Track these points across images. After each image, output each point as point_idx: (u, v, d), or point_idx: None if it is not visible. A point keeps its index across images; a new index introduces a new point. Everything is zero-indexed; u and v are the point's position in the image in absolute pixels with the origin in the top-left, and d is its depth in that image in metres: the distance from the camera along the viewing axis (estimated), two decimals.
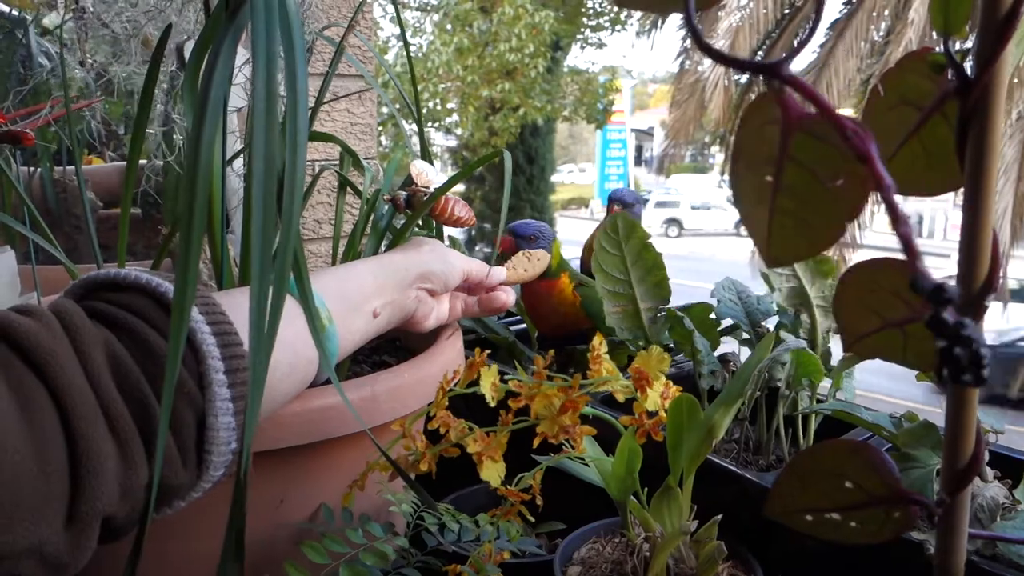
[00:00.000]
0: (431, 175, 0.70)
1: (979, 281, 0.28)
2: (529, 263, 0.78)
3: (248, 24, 0.39)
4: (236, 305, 0.44)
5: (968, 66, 0.28)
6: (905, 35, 5.57)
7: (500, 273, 0.71)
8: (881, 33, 5.99)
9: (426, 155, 0.76)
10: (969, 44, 0.29)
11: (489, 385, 0.43)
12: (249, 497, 0.38)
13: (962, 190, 0.28)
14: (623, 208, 0.87)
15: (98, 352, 0.37)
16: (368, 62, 0.93)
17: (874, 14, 5.83)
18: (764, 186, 0.27)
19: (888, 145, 0.34)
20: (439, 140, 9.79)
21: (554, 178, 10.57)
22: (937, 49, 0.31)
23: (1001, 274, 0.30)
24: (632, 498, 0.54)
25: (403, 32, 0.85)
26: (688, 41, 7.18)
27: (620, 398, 0.44)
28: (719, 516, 0.53)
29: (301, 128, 0.35)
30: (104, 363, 0.37)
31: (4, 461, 0.31)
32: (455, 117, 8.38)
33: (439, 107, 8.20)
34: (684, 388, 0.51)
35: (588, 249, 0.92)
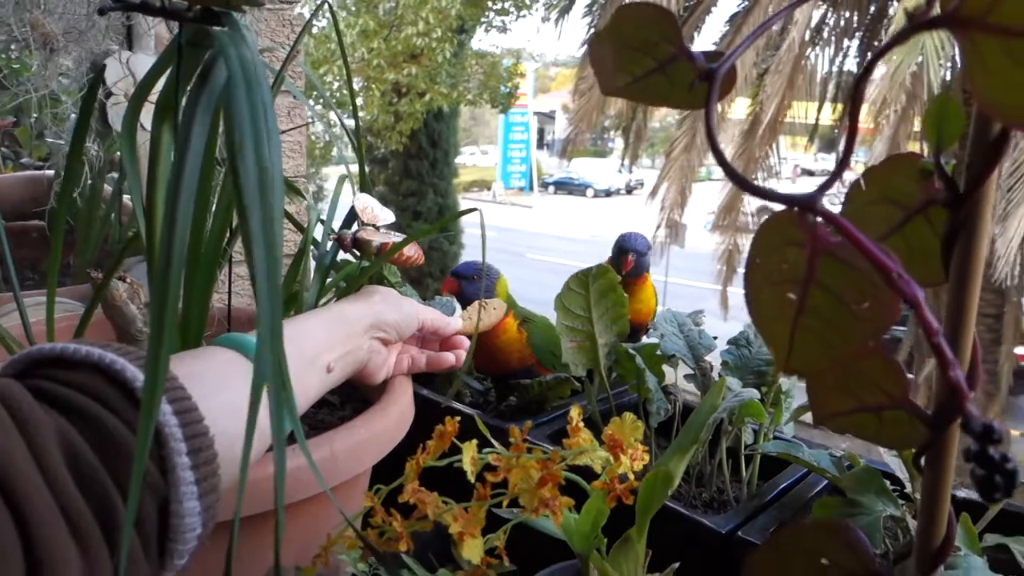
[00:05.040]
0: (376, 211, 0.68)
1: None
2: (485, 312, 0.76)
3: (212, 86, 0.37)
4: (192, 375, 0.42)
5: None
6: (791, 34, 5.83)
7: (457, 322, 0.69)
8: (776, 28, 6.22)
9: (365, 186, 0.74)
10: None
11: (469, 460, 0.42)
12: (201, 567, 0.36)
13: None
14: (636, 258, 0.86)
15: (53, 445, 0.33)
16: (297, 78, 0.89)
17: (770, 9, 6.04)
18: (786, 302, 0.27)
19: (868, 236, 0.35)
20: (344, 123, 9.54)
21: (456, 160, 10.52)
22: (925, 158, 0.32)
23: (980, 371, 0.32)
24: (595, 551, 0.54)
25: (340, 39, 0.82)
26: (593, 30, 7.25)
27: (598, 469, 0.44)
28: (676, 564, 0.55)
29: (277, 202, 0.33)
30: (60, 458, 0.33)
31: None
32: (360, 100, 8.18)
33: (343, 91, 7.98)
34: None
35: None
